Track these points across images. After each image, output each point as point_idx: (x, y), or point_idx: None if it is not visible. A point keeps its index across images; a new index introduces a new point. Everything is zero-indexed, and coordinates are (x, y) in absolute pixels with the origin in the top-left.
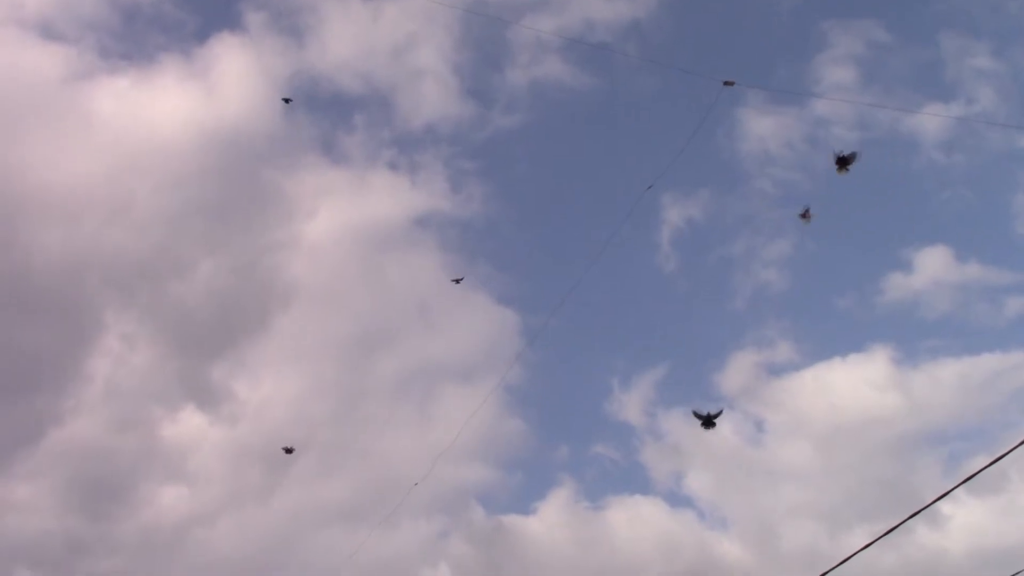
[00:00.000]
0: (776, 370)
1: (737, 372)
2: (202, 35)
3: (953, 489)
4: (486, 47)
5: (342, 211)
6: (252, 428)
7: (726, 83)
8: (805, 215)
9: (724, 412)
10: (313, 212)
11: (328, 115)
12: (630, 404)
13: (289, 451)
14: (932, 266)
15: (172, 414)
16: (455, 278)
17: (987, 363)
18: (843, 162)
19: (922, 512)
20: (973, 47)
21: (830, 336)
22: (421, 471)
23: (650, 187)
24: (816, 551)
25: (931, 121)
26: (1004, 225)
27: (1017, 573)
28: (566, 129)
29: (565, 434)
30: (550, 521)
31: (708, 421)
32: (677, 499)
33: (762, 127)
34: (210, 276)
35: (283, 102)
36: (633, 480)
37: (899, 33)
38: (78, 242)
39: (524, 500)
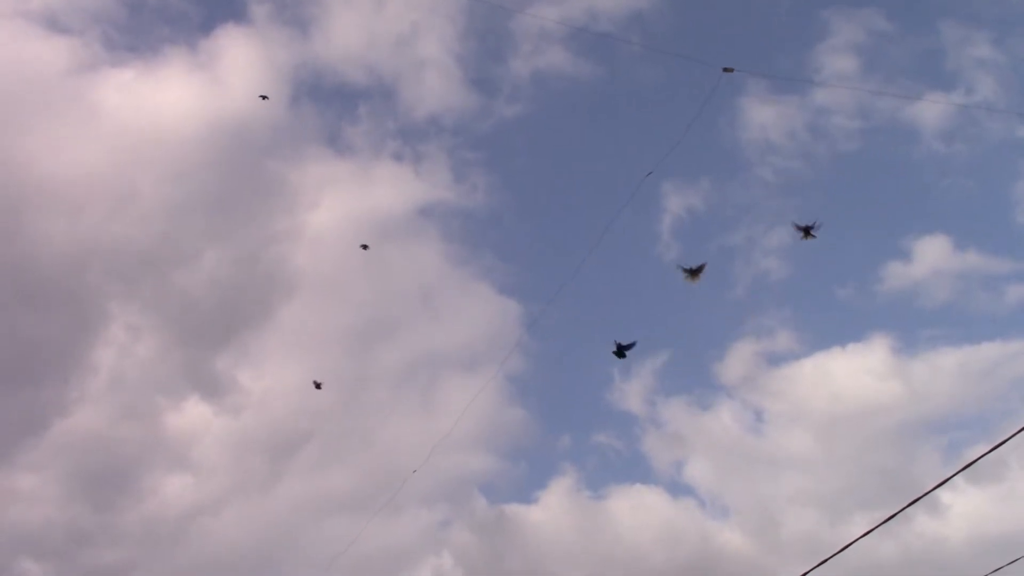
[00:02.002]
0: (776, 359)
1: (737, 361)
2: (207, 27)
3: (952, 476)
4: (489, 38)
5: (346, 202)
6: (256, 418)
7: (726, 69)
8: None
9: (725, 401)
10: (317, 203)
11: (332, 106)
12: (631, 393)
13: (318, 386)
14: (932, 255)
15: (176, 404)
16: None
17: (987, 352)
18: (807, 231)
19: (922, 500)
20: (973, 36)
21: (830, 325)
22: (424, 460)
23: (650, 173)
24: (816, 539)
25: (931, 110)
26: (1004, 214)
27: (1016, 560)
28: (569, 119)
29: (567, 423)
30: (552, 510)
31: (620, 351)
32: (678, 488)
33: (763, 116)
34: (214, 267)
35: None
36: (634, 469)
37: (900, 22)
38: (82, 233)
39: (526, 489)
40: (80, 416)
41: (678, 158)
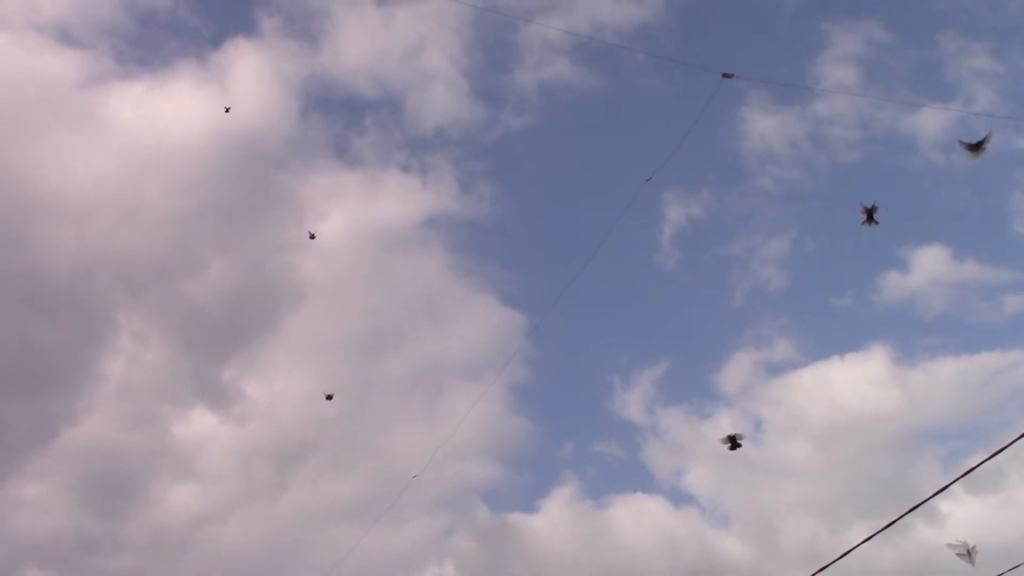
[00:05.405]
0: (775, 369)
1: (736, 371)
2: (217, 40)
3: (950, 484)
4: (495, 50)
5: (353, 212)
6: (262, 427)
7: (725, 75)
8: (870, 216)
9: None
10: (325, 213)
11: (340, 118)
12: (632, 402)
13: (329, 397)
14: (930, 265)
15: (183, 413)
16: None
17: (985, 362)
18: (977, 147)
19: (920, 509)
20: (972, 47)
21: (829, 335)
22: (429, 468)
23: (649, 179)
24: (816, 547)
25: (930, 121)
26: (1002, 224)
27: (1015, 567)
28: (574, 130)
29: (569, 432)
30: (554, 519)
31: (734, 443)
32: (679, 496)
33: (763, 126)
34: (221, 277)
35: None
36: (635, 478)
37: (899, 33)
38: (91, 242)
39: (528, 498)
40: (87, 425)
41: (679, 168)
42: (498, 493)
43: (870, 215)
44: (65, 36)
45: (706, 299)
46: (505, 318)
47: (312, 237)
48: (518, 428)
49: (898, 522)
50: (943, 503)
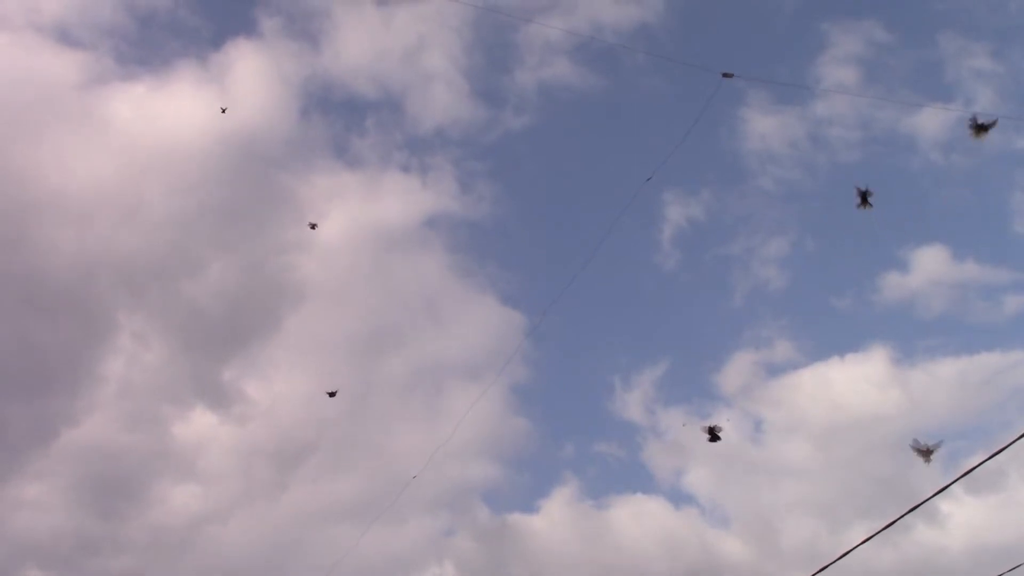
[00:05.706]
0: (775, 369)
1: (736, 371)
2: (217, 41)
3: (950, 484)
4: (495, 50)
5: (353, 212)
6: (262, 427)
7: (725, 75)
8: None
9: (723, 413)
10: (325, 213)
11: (341, 118)
12: (632, 402)
13: (332, 395)
14: (929, 265)
15: (183, 413)
16: None
17: (985, 362)
18: (864, 199)
19: (920, 510)
20: (972, 47)
21: (829, 335)
22: (429, 468)
23: (649, 178)
24: (816, 547)
25: (930, 121)
26: (1001, 224)
27: (1015, 567)
28: (574, 129)
29: (569, 432)
30: (554, 519)
31: (714, 435)
32: (679, 497)
33: (763, 126)
34: (221, 277)
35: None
36: (635, 478)
37: (899, 33)
38: (91, 243)
39: (528, 498)
40: (88, 425)
41: (679, 168)
42: (498, 493)
43: (864, 198)
44: (65, 36)
45: (706, 299)
46: (505, 318)
47: (313, 227)
48: (518, 428)
49: (898, 522)
50: (943, 504)
